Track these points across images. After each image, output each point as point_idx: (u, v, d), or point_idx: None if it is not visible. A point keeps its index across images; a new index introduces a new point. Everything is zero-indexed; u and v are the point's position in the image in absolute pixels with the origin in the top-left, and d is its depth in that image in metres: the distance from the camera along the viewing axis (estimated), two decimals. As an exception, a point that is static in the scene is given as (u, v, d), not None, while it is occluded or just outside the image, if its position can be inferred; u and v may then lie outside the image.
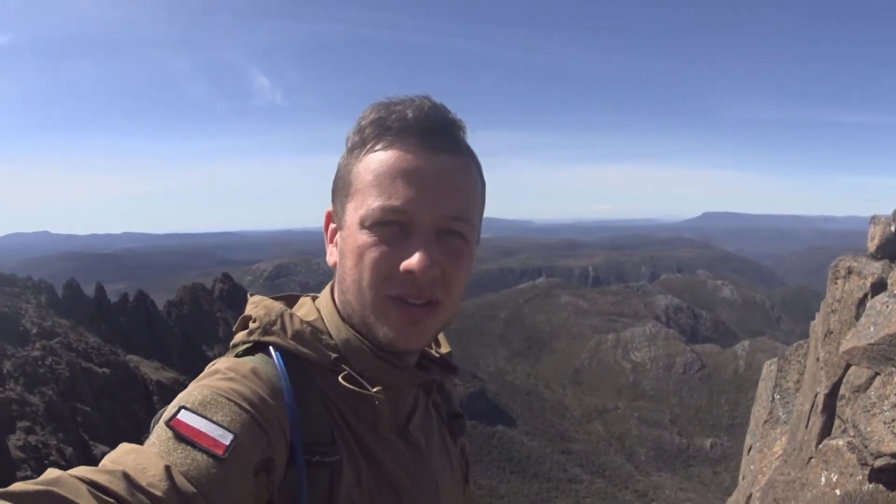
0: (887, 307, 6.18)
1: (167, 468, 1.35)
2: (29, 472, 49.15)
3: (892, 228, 6.84)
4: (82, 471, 1.32)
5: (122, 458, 1.39)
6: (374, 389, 1.73)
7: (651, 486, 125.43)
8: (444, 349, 2.05)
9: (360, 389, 1.72)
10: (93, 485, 1.27)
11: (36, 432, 58.25)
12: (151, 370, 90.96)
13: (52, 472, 1.28)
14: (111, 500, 1.26)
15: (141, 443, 1.35)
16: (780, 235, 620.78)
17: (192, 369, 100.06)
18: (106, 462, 1.39)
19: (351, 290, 1.73)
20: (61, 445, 58.36)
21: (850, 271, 7.09)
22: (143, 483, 1.31)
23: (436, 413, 2.09)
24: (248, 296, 1.93)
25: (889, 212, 7.04)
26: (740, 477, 10.50)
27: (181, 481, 1.36)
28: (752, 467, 9.57)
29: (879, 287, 6.65)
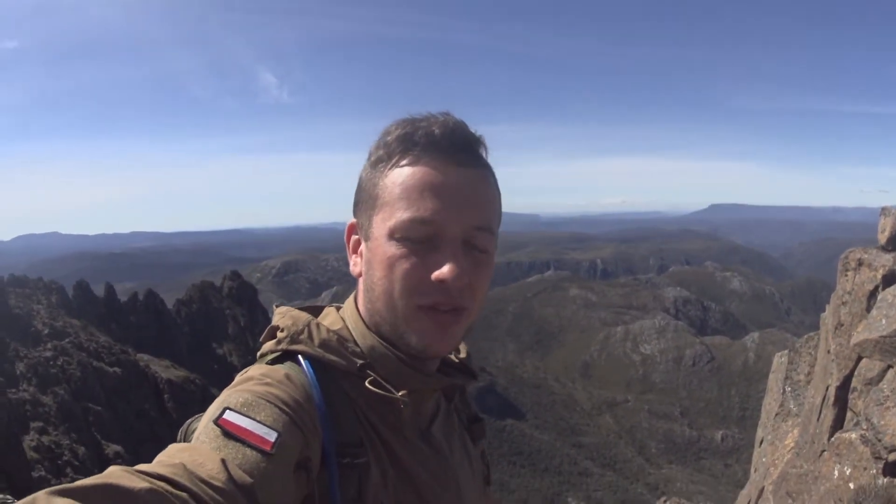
0: (899, 299, 6.15)
1: (223, 461, 1.40)
2: (43, 473, 49.23)
3: (904, 220, 6.81)
4: (144, 466, 1.35)
5: (177, 454, 1.43)
6: (400, 393, 1.77)
7: (662, 478, 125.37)
8: (463, 354, 2.11)
9: (387, 393, 1.76)
10: (157, 477, 1.31)
11: (49, 432, 58.30)
12: (162, 369, 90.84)
13: (111, 468, 1.31)
14: (177, 492, 1.29)
15: (156, 440, 1.45)
16: (789, 227, 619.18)
17: (203, 367, 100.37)
18: (162, 458, 1.43)
19: (381, 299, 1.78)
20: (74, 445, 58.43)
21: (860, 263, 7.06)
22: (204, 475, 1.36)
23: (457, 417, 2.14)
24: (274, 307, 1.98)
25: (900, 203, 7.00)
26: (752, 470, 10.49)
27: (238, 473, 1.40)
28: (763, 460, 9.56)
29: (891, 279, 6.62)
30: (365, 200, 1.83)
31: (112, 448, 62.29)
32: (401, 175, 1.75)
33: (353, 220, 1.91)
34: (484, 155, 1.87)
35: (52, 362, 71.00)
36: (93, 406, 69.46)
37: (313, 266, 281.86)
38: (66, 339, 79.46)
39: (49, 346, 75.12)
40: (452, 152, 1.76)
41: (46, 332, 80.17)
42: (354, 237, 1.91)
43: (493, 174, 1.88)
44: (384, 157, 1.79)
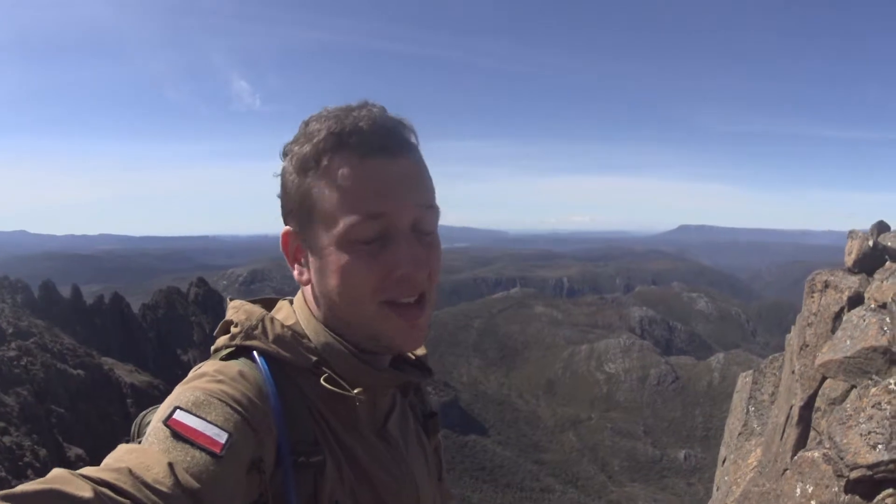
0: (864, 321, 6.23)
1: (170, 465, 1.38)
2: (3, 473, 48.96)
3: (870, 243, 6.90)
4: (88, 470, 1.33)
5: (124, 457, 1.41)
6: (355, 391, 1.74)
7: (624, 496, 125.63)
8: (420, 351, 2.08)
9: (341, 391, 1.74)
10: (100, 482, 1.28)
11: (10, 433, 58.02)
12: (126, 373, 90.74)
13: (56, 472, 1.29)
14: (119, 499, 1.27)
15: (116, 445, 1.39)
16: (757, 249, 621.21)
17: (167, 373, 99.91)
18: (109, 461, 1.41)
19: (340, 306, 1.76)
20: (35, 447, 58.14)
21: (826, 285, 7.14)
22: (149, 480, 1.33)
23: (411, 412, 2.13)
24: (228, 300, 1.96)
25: (867, 227, 7.09)
26: (714, 488, 10.54)
27: (184, 477, 1.38)
28: (726, 478, 9.61)
29: (856, 301, 6.70)
30: (299, 209, 1.78)
31: (74, 451, 62.09)
32: (338, 178, 1.70)
33: (287, 228, 1.85)
34: (412, 138, 1.82)
35: (15, 362, 70.66)
36: (56, 408, 69.25)
37: (279, 275, 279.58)
38: (31, 340, 79.32)
39: (13, 345, 74.86)
40: (384, 145, 1.72)
41: (10, 331, 79.90)
42: (294, 245, 1.85)
43: (420, 154, 1.84)
44: (311, 161, 1.73)
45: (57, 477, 1.27)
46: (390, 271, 1.71)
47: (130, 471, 1.34)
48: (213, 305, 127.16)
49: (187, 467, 1.41)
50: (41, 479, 1.26)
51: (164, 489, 1.34)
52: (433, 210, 1.80)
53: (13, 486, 1.12)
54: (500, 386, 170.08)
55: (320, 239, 1.74)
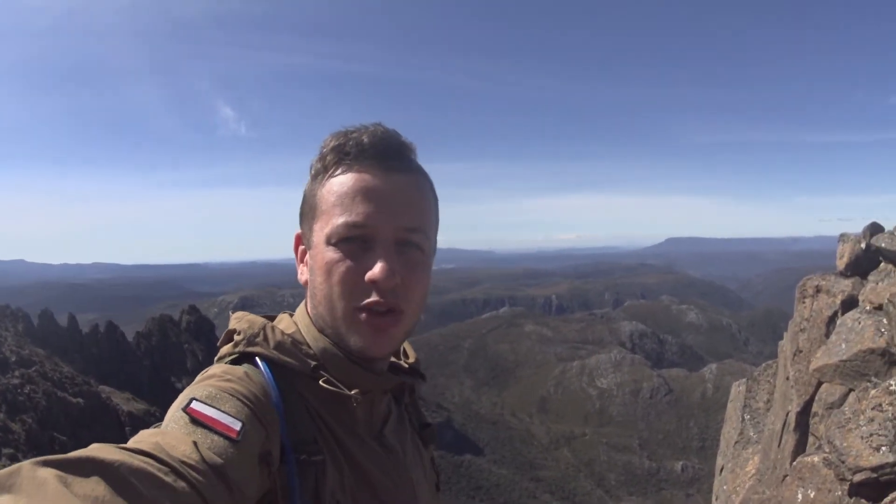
0: (859, 323, 6.21)
1: (194, 443, 1.48)
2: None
3: (863, 245, 6.87)
4: (119, 446, 1.40)
5: (150, 438, 1.49)
6: (353, 392, 1.86)
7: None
8: (412, 359, 2.20)
9: (340, 391, 1.84)
10: (140, 453, 1.37)
11: (19, 459, 57.87)
12: (123, 401, 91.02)
13: (94, 445, 1.38)
14: (162, 467, 1.37)
15: None
16: (747, 259, 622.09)
17: (162, 400, 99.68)
18: (134, 443, 1.47)
19: (322, 303, 1.90)
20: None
21: (818, 290, 7.12)
22: (178, 455, 1.43)
23: (408, 420, 2.21)
24: (231, 313, 2.05)
25: (860, 230, 7.07)
26: (713, 498, 10.49)
27: (208, 455, 1.48)
28: (724, 487, 9.58)
29: (850, 304, 6.67)
30: (307, 212, 1.96)
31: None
32: (335, 184, 1.87)
33: (298, 231, 2.03)
34: (411, 159, 1.97)
35: (19, 390, 71.22)
36: (58, 435, 69.53)
37: (269, 302, 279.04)
38: (33, 368, 79.88)
39: (16, 373, 75.43)
40: (382, 159, 1.88)
41: (14, 359, 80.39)
42: (301, 247, 2.03)
43: (425, 178, 1.99)
44: (321, 169, 1.92)
45: (95, 447, 1.35)
46: (363, 274, 1.82)
47: (161, 446, 1.44)
48: (205, 333, 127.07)
49: (209, 447, 1.50)
50: (81, 450, 1.33)
51: (193, 463, 1.43)
52: (419, 234, 1.91)
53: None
54: (493, 405, 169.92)
55: (315, 236, 1.90)
